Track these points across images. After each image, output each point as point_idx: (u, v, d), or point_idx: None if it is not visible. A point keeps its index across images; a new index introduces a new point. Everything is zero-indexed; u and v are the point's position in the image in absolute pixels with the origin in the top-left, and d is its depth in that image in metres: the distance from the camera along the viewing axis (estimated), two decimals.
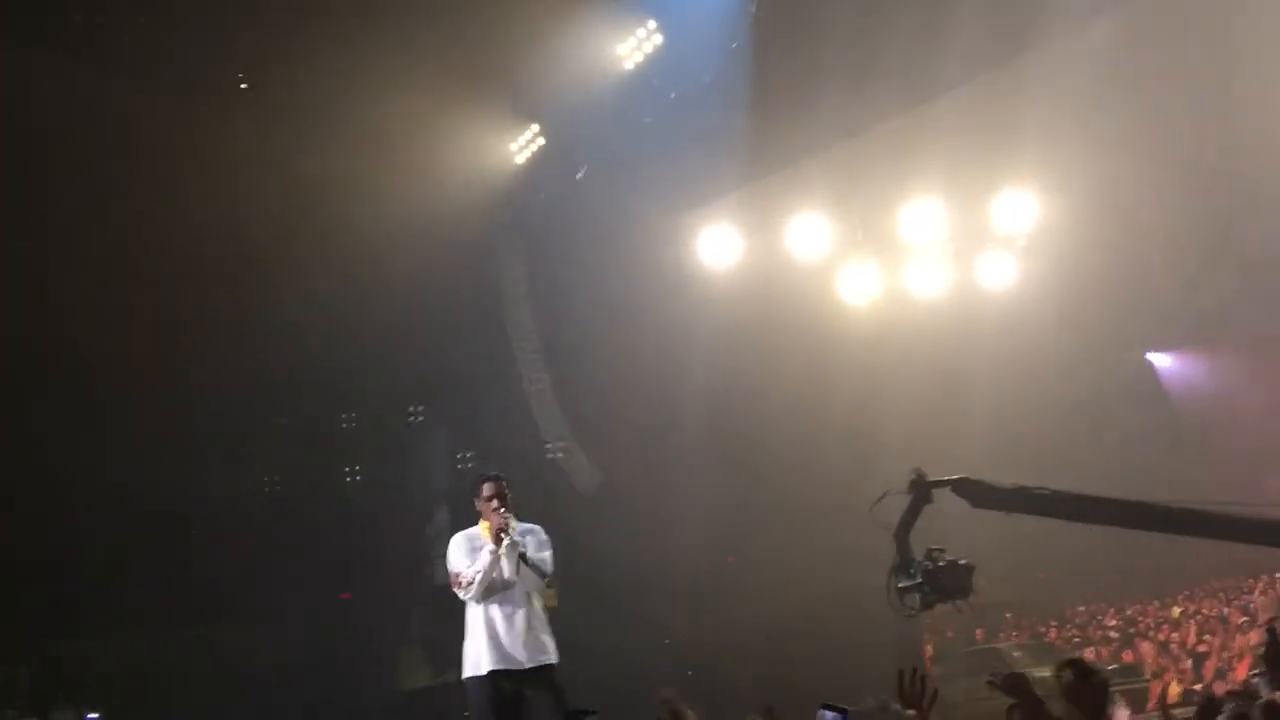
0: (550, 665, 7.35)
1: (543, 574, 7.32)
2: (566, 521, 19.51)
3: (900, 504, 7.89)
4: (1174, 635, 20.80)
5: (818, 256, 17.45)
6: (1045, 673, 6.52)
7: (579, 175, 18.56)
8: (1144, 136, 20.58)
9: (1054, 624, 25.40)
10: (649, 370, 18.91)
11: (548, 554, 7.44)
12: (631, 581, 19.35)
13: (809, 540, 19.03)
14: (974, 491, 7.73)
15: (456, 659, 7.85)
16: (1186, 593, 24.37)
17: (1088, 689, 4.67)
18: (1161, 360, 30.08)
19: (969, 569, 7.58)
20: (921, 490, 7.77)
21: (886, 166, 16.19)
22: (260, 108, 17.11)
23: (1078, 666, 4.91)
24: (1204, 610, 22.20)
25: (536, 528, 7.60)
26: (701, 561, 19.60)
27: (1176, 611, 23.18)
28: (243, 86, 17.28)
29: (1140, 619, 23.57)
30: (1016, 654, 19.11)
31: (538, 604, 7.33)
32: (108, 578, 18.38)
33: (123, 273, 18.06)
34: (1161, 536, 9.34)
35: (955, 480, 7.74)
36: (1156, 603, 24.67)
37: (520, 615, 7.01)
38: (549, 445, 19.62)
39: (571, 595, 19.15)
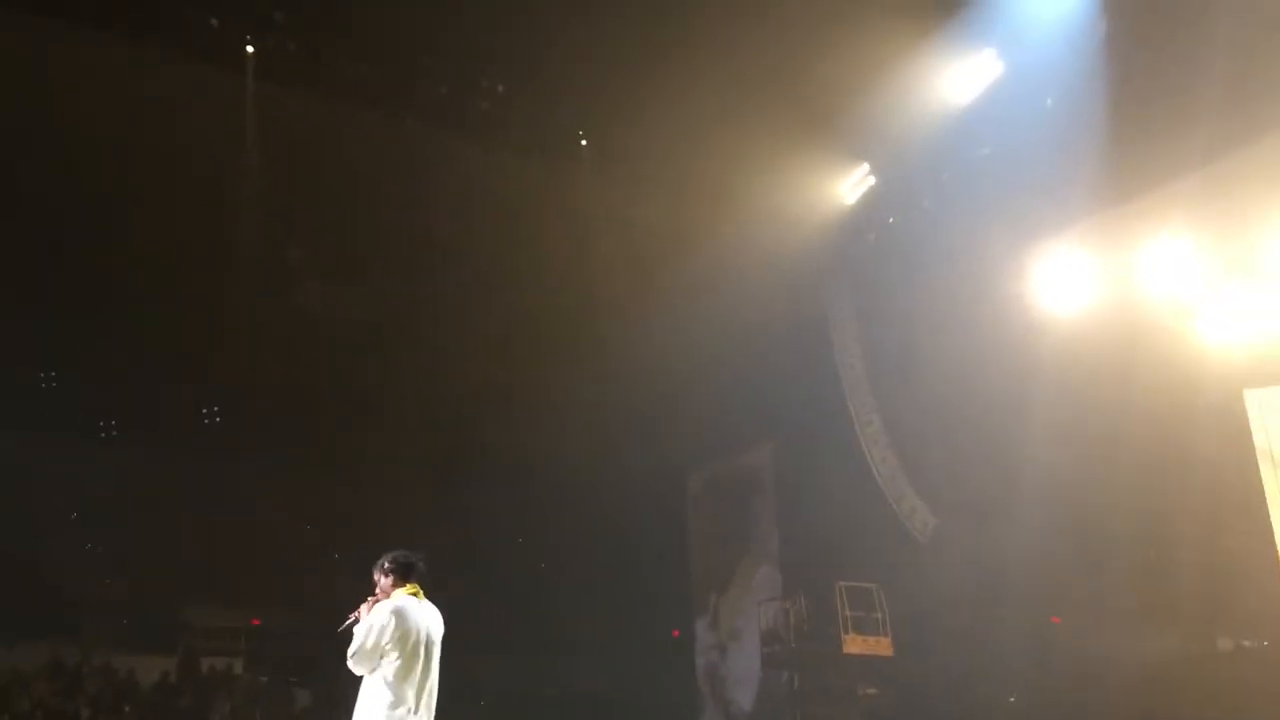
0: None
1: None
2: (900, 568, 19.12)
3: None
4: None
5: (1180, 290, 15.96)
6: None
7: (890, 220, 18.24)
8: None
9: None
10: (987, 414, 17.98)
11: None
12: (969, 634, 18.44)
13: (1165, 600, 17.37)
14: None
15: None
16: None
17: None
18: None
19: None
20: None
21: (1264, 187, 14.57)
22: (599, 161, 17.99)
23: None
24: None
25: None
26: (1052, 614, 18.30)
27: None
28: (582, 142, 18.24)
29: None
30: None
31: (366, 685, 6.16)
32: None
33: (470, 317, 19.49)
34: None
35: None
36: None
37: None
38: (884, 490, 19.10)
39: (906, 646, 18.71)
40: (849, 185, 18.37)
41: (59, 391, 18.35)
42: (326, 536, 21.18)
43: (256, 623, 21.13)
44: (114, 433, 20.24)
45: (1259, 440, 16.75)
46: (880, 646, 18.70)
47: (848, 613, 18.66)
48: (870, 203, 18.42)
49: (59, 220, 16.52)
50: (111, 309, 18.04)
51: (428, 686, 6.12)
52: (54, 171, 15.91)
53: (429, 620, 6.25)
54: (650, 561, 22.65)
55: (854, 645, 18.57)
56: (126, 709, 17.89)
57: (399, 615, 6.09)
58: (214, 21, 15.48)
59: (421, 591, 6.34)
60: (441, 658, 6.52)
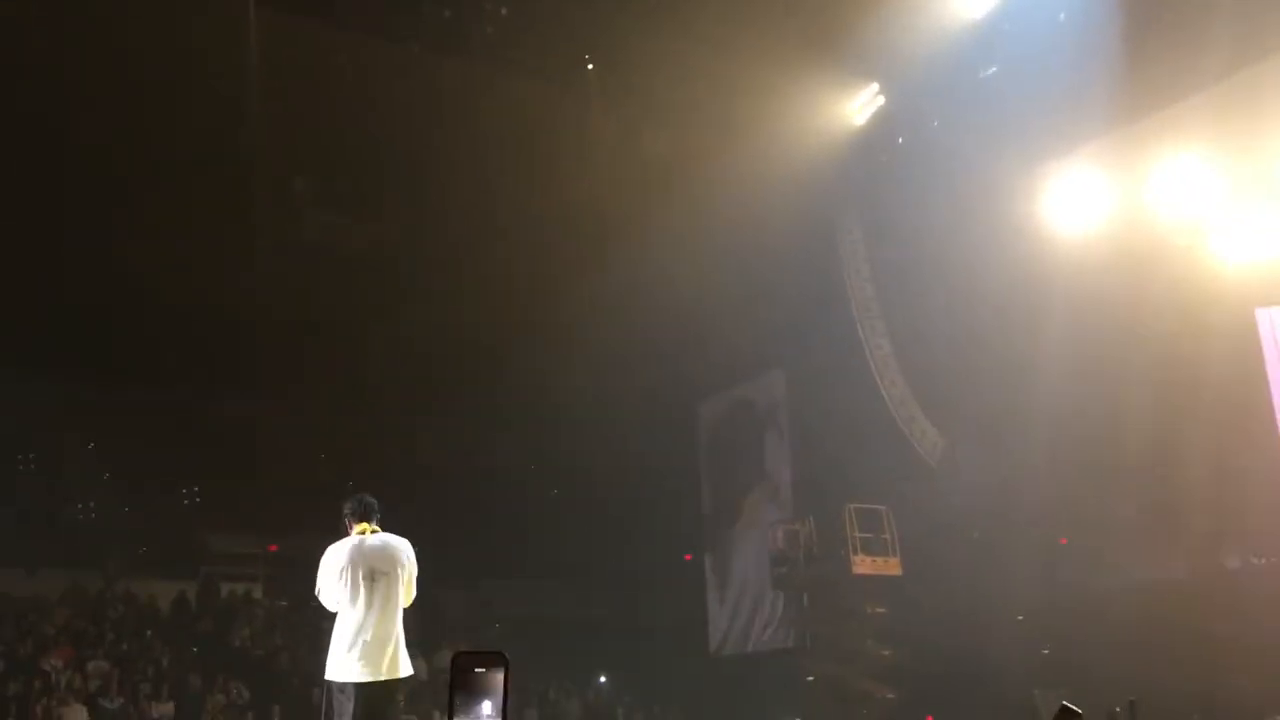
0: None
1: None
2: (910, 490, 19.27)
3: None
4: None
5: (1193, 207, 15.79)
6: None
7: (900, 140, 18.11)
8: None
9: None
10: (998, 336, 17.95)
11: None
12: (978, 554, 18.59)
13: (1173, 518, 17.44)
14: None
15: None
16: None
17: None
18: None
19: None
20: None
21: (1278, 103, 14.30)
22: (606, 85, 17.79)
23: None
24: None
25: None
26: (1060, 534, 18.42)
27: None
28: (589, 66, 18.01)
29: None
30: None
31: None
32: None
33: (481, 246, 19.44)
34: None
35: None
36: None
37: None
38: (893, 412, 19.16)
39: (915, 566, 18.92)
40: (858, 105, 18.15)
41: (67, 324, 18.41)
42: (341, 463, 21.41)
43: (274, 549, 21.44)
44: (125, 365, 20.32)
45: (1270, 358, 16.68)
46: (889, 567, 18.89)
47: (857, 534, 18.82)
48: (879, 123, 18.20)
49: (62, 151, 16.46)
50: (117, 244, 18.03)
51: (374, 615, 6.60)
52: (59, 100, 15.81)
53: (373, 554, 6.73)
54: (661, 486, 22.84)
55: (863, 566, 18.75)
56: (149, 633, 18.24)
57: (332, 556, 6.73)
58: None
59: (371, 528, 6.83)
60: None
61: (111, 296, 18.63)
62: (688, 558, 24.19)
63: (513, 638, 19.92)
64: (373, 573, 6.65)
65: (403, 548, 6.83)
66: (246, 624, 19.45)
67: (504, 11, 17.01)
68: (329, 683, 6.63)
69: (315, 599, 6.90)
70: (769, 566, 20.90)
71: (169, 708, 16.43)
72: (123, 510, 20.80)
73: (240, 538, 21.31)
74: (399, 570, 6.73)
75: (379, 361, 20.92)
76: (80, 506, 21.26)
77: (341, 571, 6.64)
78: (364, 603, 6.60)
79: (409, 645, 6.81)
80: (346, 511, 6.95)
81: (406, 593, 6.78)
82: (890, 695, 18.45)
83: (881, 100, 17.94)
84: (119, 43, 15.16)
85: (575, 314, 19.20)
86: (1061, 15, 15.13)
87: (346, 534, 6.87)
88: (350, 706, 6.51)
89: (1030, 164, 17.46)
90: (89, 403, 20.33)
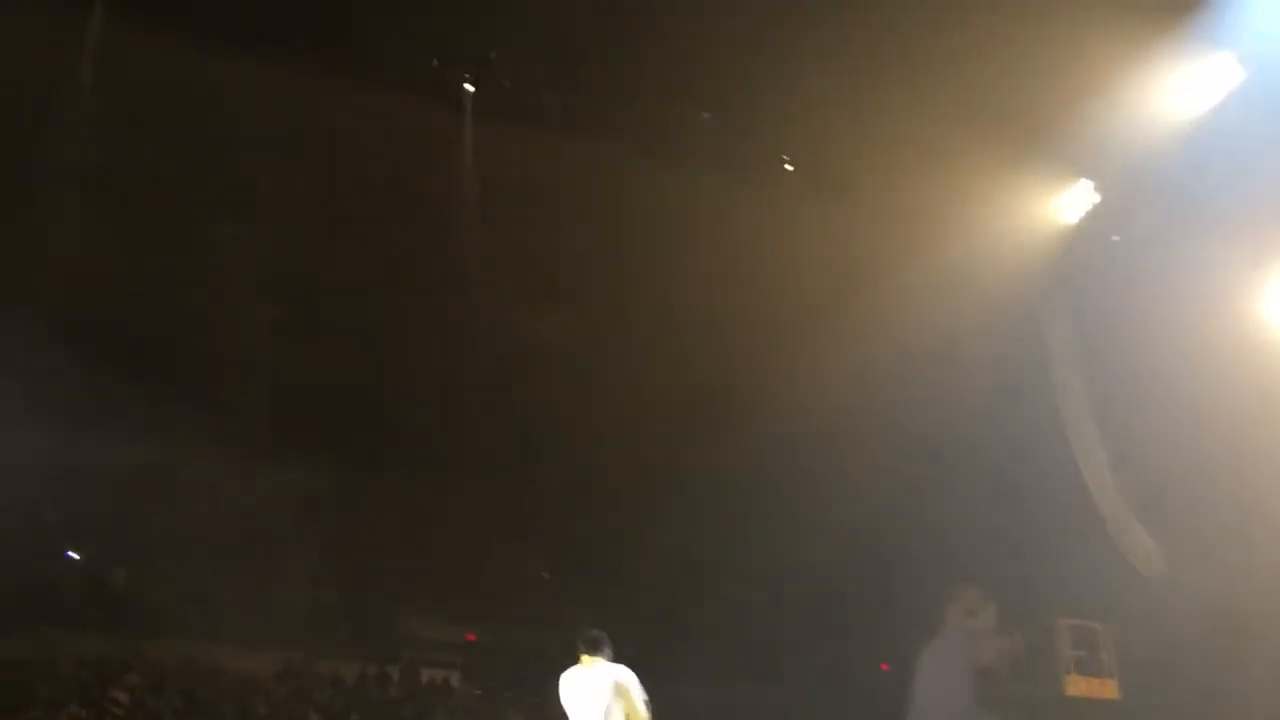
0: None
1: None
2: (1126, 607, 18.10)
3: None
4: None
5: None
6: None
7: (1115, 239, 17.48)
8: None
9: None
10: (1222, 446, 16.86)
11: None
12: (1204, 674, 17.25)
13: None
14: None
15: None
16: None
17: None
18: None
19: None
20: None
21: None
22: (807, 186, 17.93)
23: None
24: None
25: None
26: None
27: None
28: (787, 168, 18.21)
29: None
30: None
31: None
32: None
33: (676, 336, 19.71)
34: None
35: None
36: None
37: None
38: (1107, 523, 18.13)
39: (1134, 688, 17.65)
40: (1070, 202, 17.66)
41: (276, 407, 19.62)
42: (536, 555, 21.78)
43: (471, 638, 21.83)
44: (337, 451, 21.31)
45: None
46: (1105, 689, 17.76)
47: (1070, 652, 17.80)
48: (1093, 220, 17.64)
49: (289, 247, 17.89)
50: (328, 332, 19.24)
51: None
52: (296, 201, 17.23)
53: (588, 687, 7.57)
54: (859, 594, 22.17)
55: (1077, 687, 17.71)
56: (353, 717, 18.74)
57: (562, 685, 7.68)
58: (435, 62, 16.52)
59: (590, 659, 7.68)
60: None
61: (329, 390, 19.77)
62: (885, 668, 23.27)
63: None
64: (587, 704, 7.52)
65: (620, 679, 7.58)
66: (445, 712, 19.79)
67: (706, 115, 17.48)
68: None
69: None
70: (973, 683, 19.85)
71: None
72: (332, 592, 21.62)
73: (441, 625, 21.82)
74: (615, 701, 7.49)
75: (572, 452, 21.29)
76: (290, 587, 22.15)
77: (566, 700, 7.60)
78: None
79: None
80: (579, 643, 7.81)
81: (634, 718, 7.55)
82: None
83: (1096, 198, 17.40)
84: (347, 158, 16.47)
85: (771, 409, 19.12)
86: None
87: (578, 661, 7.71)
88: None
89: (1256, 262, 16.57)
90: (303, 487, 21.38)
